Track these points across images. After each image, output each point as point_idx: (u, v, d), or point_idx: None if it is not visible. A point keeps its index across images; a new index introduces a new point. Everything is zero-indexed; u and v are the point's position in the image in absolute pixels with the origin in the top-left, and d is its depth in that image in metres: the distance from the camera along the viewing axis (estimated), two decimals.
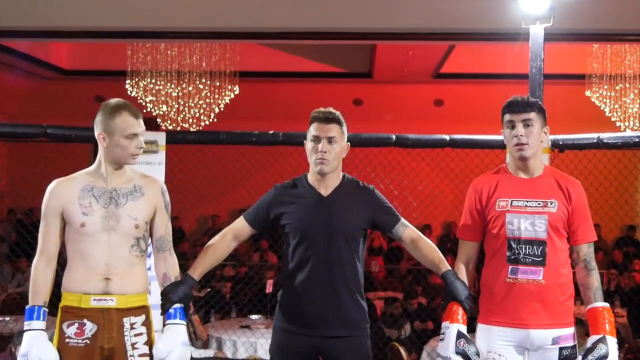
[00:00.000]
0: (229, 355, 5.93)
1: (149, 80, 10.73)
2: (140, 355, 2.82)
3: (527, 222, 2.88)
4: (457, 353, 2.81)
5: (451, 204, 6.77)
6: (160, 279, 2.96)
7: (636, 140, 4.25)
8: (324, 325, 2.95)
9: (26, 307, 2.77)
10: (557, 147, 4.30)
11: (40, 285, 2.78)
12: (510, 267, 2.88)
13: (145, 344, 2.84)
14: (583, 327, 2.95)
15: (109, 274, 2.79)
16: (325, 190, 3.02)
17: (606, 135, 4.25)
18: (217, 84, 10.83)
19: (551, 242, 2.88)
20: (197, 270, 3.00)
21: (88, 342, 2.76)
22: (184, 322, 2.89)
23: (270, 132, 4.57)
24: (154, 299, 2.93)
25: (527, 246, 2.87)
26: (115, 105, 2.85)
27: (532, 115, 2.91)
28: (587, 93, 10.61)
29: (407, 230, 3.05)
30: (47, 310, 2.78)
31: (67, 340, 2.76)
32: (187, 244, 10.98)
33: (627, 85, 10.32)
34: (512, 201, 2.92)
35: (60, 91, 12.66)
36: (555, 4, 4.20)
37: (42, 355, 2.68)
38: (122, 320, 2.81)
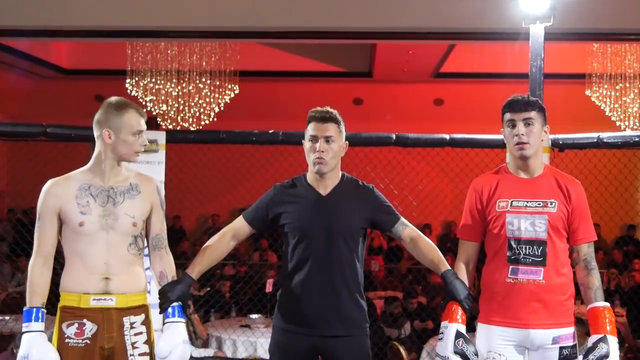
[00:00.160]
0: (229, 355, 5.93)
1: (149, 79, 10.73)
2: (140, 355, 2.81)
3: (527, 222, 2.88)
4: (456, 353, 2.81)
5: (451, 203, 6.77)
6: (157, 277, 2.95)
7: (636, 139, 4.24)
8: (324, 325, 2.95)
9: (24, 309, 2.75)
10: (557, 147, 4.30)
11: (37, 285, 2.77)
12: (510, 267, 2.88)
13: (145, 343, 2.84)
14: (583, 326, 2.95)
15: (108, 273, 2.78)
16: (325, 189, 3.02)
17: (606, 135, 4.25)
18: (217, 83, 10.83)
19: (551, 242, 2.88)
20: (196, 269, 3.00)
21: (88, 342, 2.75)
22: (183, 320, 2.89)
23: (270, 131, 4.57)
24: (154, 298, 2.93)
25: (527, 246, 2.87)
26: (123, 102, 2.85)
27: (533, 114, 2.91)
28: (587, 92, 10.61)
29: (406, 229, 3.05)
30: (45, 311, 2.77)
31: (66, 340, 2.75)
32: (187, 243, 10.99)
33: (627, 85, 10.32)
34: (512, 201, 2.92)
35: (60, 90, 12.67)
36: (556, 3, 4.20)
37: (43, 357, 2.66)
38: (122, 320, 2.81)
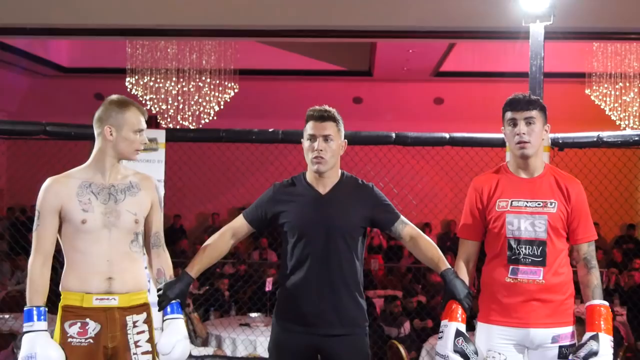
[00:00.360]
0: (229, 353, 5.93)
1: (148, 78, 10.72)
2: (143, 353, 2.82)
3: (527, 222, 2.88)
4: (455, 351, 2.81)
5: (451, 202, 6.77)
6: (155, 274, 2.96)
7: (636, 138, 4.24)
8: (323, 324, 2.94)
9: (25, 308, 2.72)
10: (557, 146, 4.30)
11: (38, 285, 2.75)
12: (510, 267, 2.88)
13: (147, 341, 2.84)
14: (583, 326, 2.95)
15: (110, 272, 2.78)
16: (324, 188, 3.01)
17: (606, 134, 4.25)
18: (217, 81, 10.82)
19: (551, 242, 2.87)
20: (195, 268, 3.01)
21: (91, 341, 2.74)
22: (182, 316, 2.91)
23: (270, 130, 4.57)
24: (153, 297, 2.93)
25: (527, 246, 2.87)
26: (124, 100, 2.86)
27: (535, 113, 2.90)
28: (587, 91, 10.61)
29: (406, 227, 3.04)
30: (47, 309, 2.75)
31: (69, 339, 2.74)
32: (185, 241, 10.98)
33: (627, 84, 10.32)
34: (512, 201, 2.92)
35: (59, 89, 12.67)
36: (556, 2, 4.19)
37: (50, 356, 2.65)
38: (125, 319, 2.81)
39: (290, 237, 2.99)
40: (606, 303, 2.88)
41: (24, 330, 2.71)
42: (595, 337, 2.79)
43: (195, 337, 6.01)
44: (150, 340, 2.86)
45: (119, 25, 7.67)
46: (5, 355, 4.83)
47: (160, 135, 4.46)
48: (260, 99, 12.19)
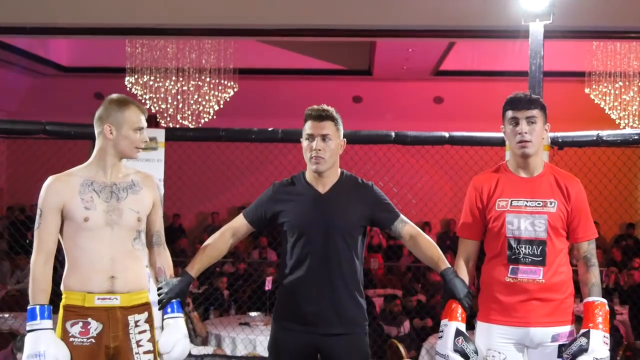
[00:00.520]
0: (228, 352, 5.94)
1: (148, 77, 10.72)
2: (145, 353, 2.82)
3: (527, 222, 2.88)
4: (455, 351, 2.81)
5: (450, 201, 6.76)
6: (155, 272, 2.97)
7: (635, 137, 4.25)
8: (322, 323, 2.94)
9: (29, 307, 2.71)
10: (557, 145, 4.30)
11: (42, 283, 2.74)
12: (510, 266, 2.88)
13: (149, 341, 2.84)
14: (582, 324, 2.95)
15: (113, 271, 2.77)
16: (323, 187, 3.01)
17: (605, 133, 4.25)
18: (217, 81, 10.82)
19: (551, 241, 2.87)
20: (195, 267, 3.01)
21: (93, 340, 2.74)
22: (182, 315, 2.92)
23: (270, 129, 4.57)
24: (154, 296, 2.94)
25: (527, 246, 2.87)
26: (124, 99, 2.86)
27: (536, 112, 2.90)
28: (587, 90, 10.61)
29: (406, 226, 3.04)
30: (51, 307, 2.75)
31: (71, 339, 2.73)
32: (185, 240, 10.98)
33: (627, 83, 10.32)
34: (512, 201, 2.91)
35: (59, 88, 12.67)
36: (555, 1, 4.19)
37: (59, 354, 2.65)
38: (127, 319, 2.80)
39: (289, 237, 2.99)
40: (603, 300, 2.88)
41: (28, 329, 2.70)
42: (586, 334, 2.79)
43: (195, 336, 6.01)
44: (152, 339, 2.86)
45: (119, 24, 7.68)
46: (5, 355, 4.82)
47: (159, 134, 4.46)
48: (259, 98, 12.19)
